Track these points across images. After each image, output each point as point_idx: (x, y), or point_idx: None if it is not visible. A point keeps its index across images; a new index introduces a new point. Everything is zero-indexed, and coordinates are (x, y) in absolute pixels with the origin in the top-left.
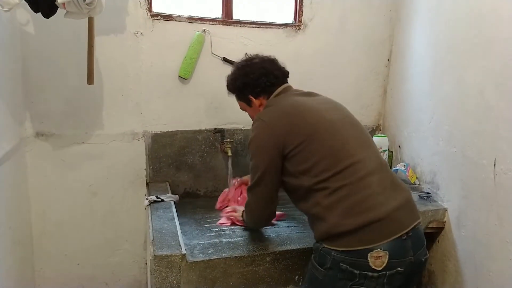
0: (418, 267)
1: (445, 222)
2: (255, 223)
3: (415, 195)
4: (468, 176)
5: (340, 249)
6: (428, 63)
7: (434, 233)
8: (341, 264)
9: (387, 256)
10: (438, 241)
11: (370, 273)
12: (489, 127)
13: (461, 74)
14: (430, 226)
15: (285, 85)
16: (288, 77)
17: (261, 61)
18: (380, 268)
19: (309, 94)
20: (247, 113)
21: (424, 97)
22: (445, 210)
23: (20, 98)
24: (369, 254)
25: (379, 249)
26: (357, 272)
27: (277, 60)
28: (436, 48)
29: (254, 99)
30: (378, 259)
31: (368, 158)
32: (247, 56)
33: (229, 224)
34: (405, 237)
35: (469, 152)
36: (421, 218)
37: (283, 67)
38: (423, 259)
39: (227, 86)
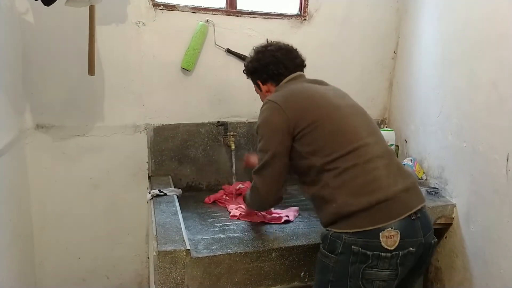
0: (428, 250)
1: (453, 218)
2: (259, 206)
3: (422, 190)
4: (478, 171)
5: (351, 230)
6: (436, 55)
7: (442, 229)
8: (353, 247)
9: (399, 235)
10: (446, 237)
11: (383, 254)
12: (502, 121)
13: (472, 66)
14: (438, 222)
15: (297, 73)
16: (303, 66)
17: (276, 49)
18: (392, 248)
19: (319, 82)
20: (255, 102)
21: (432, 90)
22: (454, 205)
23: (20, 89)
24: (380, 234)
25: (390, 228)
26: (370, 253)
27: (294, 50)
28: (445, 40)
29: (261, 84)
30: (390, 238)
31: (375, 143)
32: (267, 42)
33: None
34: (414, 217)
35: (480, 146)
36: (429, 212)
37: (298, 58)
38: (432, 242)
39: (244, 67)
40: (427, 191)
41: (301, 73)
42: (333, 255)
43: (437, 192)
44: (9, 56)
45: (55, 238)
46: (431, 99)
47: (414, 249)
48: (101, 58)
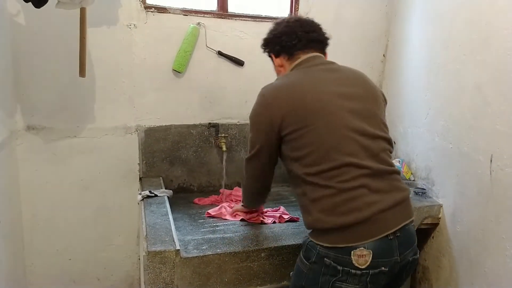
0: (404, 267)
1: (440, 218)
2: (250, 199)
3: (410, 191)
4: (464, 172)
5: (324, 244)
6: (424, 58)
7: (429, 229)
8: (325, 259)
9: (371, 255)
10: (432, 237)
11: (353, 271)
12: (486, 122)
13: (458, 69)
14: (425, 222)
15: (313, 54)
16: (323, 43)
17: (292, 20)
18: (363, 267)
19: (331, 70)
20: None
21: (420, 93)
22: (440, 206)
23: (10, 91)
24: (352, 252)
25: (362, 248)
26: (340, 268)
27: (313, 23)
28: (432, 43)
29: (274, 57)
30: (361, 257)
31: (366, 158)
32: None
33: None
34: (391, 237)
35: (465, 148)
36: (414, 216)
37: (315, 31)
38: (410, 259)
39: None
40: (415, 192)
41: (318, 54)
42: (307, 263)
43: (424, 193)
44: (0, 58)
45: (45, 239)
46: (419, 101)
47: (387, 269)
48: (92, 60)
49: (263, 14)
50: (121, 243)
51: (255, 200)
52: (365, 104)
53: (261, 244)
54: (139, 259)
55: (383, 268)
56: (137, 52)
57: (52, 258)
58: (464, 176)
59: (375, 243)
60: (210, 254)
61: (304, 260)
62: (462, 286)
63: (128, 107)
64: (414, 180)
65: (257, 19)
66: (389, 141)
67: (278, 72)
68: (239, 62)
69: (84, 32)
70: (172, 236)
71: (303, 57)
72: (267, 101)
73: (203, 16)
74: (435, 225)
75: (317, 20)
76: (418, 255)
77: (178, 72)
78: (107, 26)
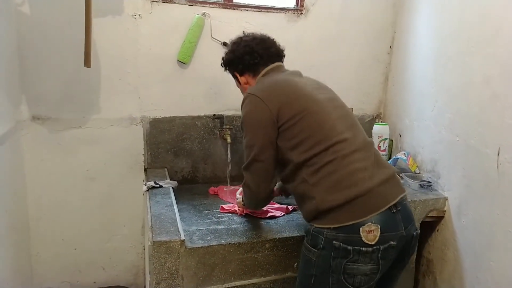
0: (409, 242)
1: (445, 211)
2: (255, 204)
3: (415, 184)
4: (470, 165)
5: (332, 226)
6: (431, 50)
7: (434, 222)
8: (334, 242)
9: (379, 229)
10: (437, 230)
11: (364, 248)
12: (494, 116)
13: (466, 62)
14: (430, 215)
15: (275, 64)
16: (279, 57)
17: (250, 39)
18: (373, 243)
19: (298, 74)
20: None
21: (426, 85)
22: (446, 199)
23: (16, 81)
24: (361, 229)
25: (370, 223)
26: (351, 248)
27: (269, 40)
28: (440, 35)
29: (239, 76)
30: (370, 233)
31: (353, 136)
32: (243, 34)
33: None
34: (394, 210)
35: (472, 141)
36: (419, 205)
37: (273, 47)
38: (414, 233)
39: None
40: (420, 185)
41: (280, 63)
42: (315, 250)
43: (430, 186)
44: (5, 48)
45: (51, 229)
46: (425, 94)
47: (395, 243)
48: (97, 50)
49: (269, 4)
50: (126, 233)
51: (260, 206)
52: (335, 98)
53: (266, 235)
54: (144, 249)
55: (391, 242)
56: (142, 42)
57: (57, 247)
58: (471, 169)
59: (381, 217)
60: (214, 245)
61: (311, 248)
62: (467, 279)
63: (133, 98)
64: (419, 173)
65: (262, 10)
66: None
67: (244, 90)
68: None
69: (89, 22)
70: (177, 226)
71: (267, 68)
72: (260, 98)
73: (208, 6)
74: (440, 218)
75: (323, 12)
76: (419, 231)
77: (183, 63)
78: (112, 16)
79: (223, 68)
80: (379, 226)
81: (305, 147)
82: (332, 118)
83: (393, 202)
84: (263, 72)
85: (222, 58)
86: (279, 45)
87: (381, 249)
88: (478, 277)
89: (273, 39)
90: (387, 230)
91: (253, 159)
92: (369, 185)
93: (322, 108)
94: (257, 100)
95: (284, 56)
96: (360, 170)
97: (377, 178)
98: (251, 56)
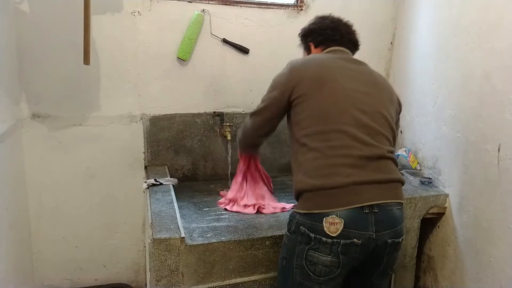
0: (382, 248)
1: (446, 208)
2: (242, 139)
3: (416, 181)
4: (471, 162)
5: (302, 211)
6: (432, 46)
7: (435, 219)
8: (301, 227)
9: (342, 223)
10: (438, 227)
11: (324, 238)
12: (495, 111)
13: (466, 57)
14: (430, 211)
15: (345, 49)
16: (355, 45)
17: (337, 20)
18: (334, 235)
19: (358, 63)
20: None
21: (427, 81)
22: (447, 195)
23: (16, 79)
24: (324, 219)
25: (334, 215)
26: (313, 235)
27: (352, 26)
28: (440, 31)
29: (313, 47)
30: (332, 225)
31: (363, 134)
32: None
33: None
34: (367, 211)
35: (473, 137)
36: (419, 201)
37: (354, 34)
38: (389, 241)
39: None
40: (421, 181)
41: (348, 52)
42: (288, 233)
43: (431, 182)
44: (4, 46)
45: (52, 227)
46: (426, 90)
47: (360, 241)
48: (96, 47)
49: (269, 0)
50: (127, 231)
51: (248, 148)
52: (374, 103)
53: (266, 232)
54: (145, 246)
55: (355, 240)
56: (142, 39)
57: (58, 245)
58: (471, 165)
59: (347, 213)
60: (215, 242)
61: (286, 232)
62: (468, 276)
63: (133, 95)
64: (420, 170)
65: (262, 6)
66: (389, 140)
67: None
68: (244, 50)
69: (88, 19)
70: (177, 224)
71: (335, 47)
72: (290, 68)
73: (208, 3)
74: (441, 215)
75: (323, 8)
76: (400, 240)
77: (182, 60)
78: (111, 13)
79: (300, 38)
80: (342, 221)
81: (305, 125)
82: (344, 109)
83: (369, 203)
84: (330, 48)
85: (303, 28)
86: (358, 36)
87: (341, 243)
88: (478, 273)
89: (355, 30)
90: (352, 227)
91: (258, 111)
92: (344, 181)
93: (339, 95)
94: (288, 68)
95: (358, 49)
96: (343, 165)
97: (362, 177)
98: (333, 32)
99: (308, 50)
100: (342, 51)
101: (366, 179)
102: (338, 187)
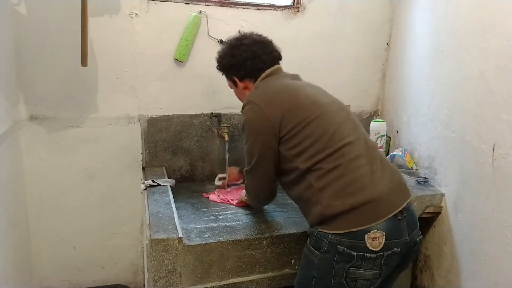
0: (412, 248)
1: (442, 207)
2: (258, 204)
3: (412, 180)
4: (466, 161)
5: (338, 231)
6: (428, 46)
7: (431, 218)
8: (338, 246)
9: (384, 236)
10: (434, 226)
11: (367, 254)
12: (489, 111)
13: (462, 57)
14: (427, 211)
15: (275, 67)
16: (279, 59)
17: (251, 43)
18: (377, 249)
19: (296, 78)
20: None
21: (423, 81)
22: (442, 195)
23: (13, 81)
24: (366, 235)
25: (375, 230)
26: (355, 253)
27: (270, 43)
28: (437, 31)
29: (238, 81)
30: (375, 240)
31: (357, 139)
32: (240, 34)
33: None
34: (400, 217)
35: (468, 136)
36: (415, 201)
37: (275, 51)
38: (417, 239)
39: (216, 63)
40: (417, 181)
41: (278, 66)
42: (318, 253)
43: (427, 182)
44: (2, 48)
45: (50, 228)
46: (422, 90)
47: (399, 249)
48: (94, 49)
49: (266, 2)
50: (125, 232)
51: (263, 204)
52: (337, 101)
53: (263, 232)
54: (143, 247)
55: (395, 249)
56: (139, 41)
57: (57, 246)
58: (467, 165)
59: (386, 224)
60: (212, 242)
61: (314, 250)
62: (463, 274)
63: (130, 96)
64: (416, 169)
65: (259, 7)
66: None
67: (241, 95)
68: None
69: (86, 21)
70: (175, 224)
71: (267, 72)
72: (261, 106)
73: (205, 4)
74: (437, 214)
75: (319, 9)
76: (421, 236)
77: (180, 61)
78: (108, 15)
79: (220, 72)
80: (384, 233)
81: (311, 153)
82: (336, 122)
83: (399, 209)
84: (262, 75)
85: (219, 61)
86: (277, 47)
87: (384, 255)
88: (474, 271)
89: (271, 41)
90: (392, 237)
91: (254, 165)
92: (375, 191)
93: (326, 113)
94: (257, 109)
95: (281, 58)
96: (366, 175)
97: (384, 183)
98: (253, 62)
99: (233, 83)
100: (274, 71)
101: (390, 183)
102: (372, 200)
